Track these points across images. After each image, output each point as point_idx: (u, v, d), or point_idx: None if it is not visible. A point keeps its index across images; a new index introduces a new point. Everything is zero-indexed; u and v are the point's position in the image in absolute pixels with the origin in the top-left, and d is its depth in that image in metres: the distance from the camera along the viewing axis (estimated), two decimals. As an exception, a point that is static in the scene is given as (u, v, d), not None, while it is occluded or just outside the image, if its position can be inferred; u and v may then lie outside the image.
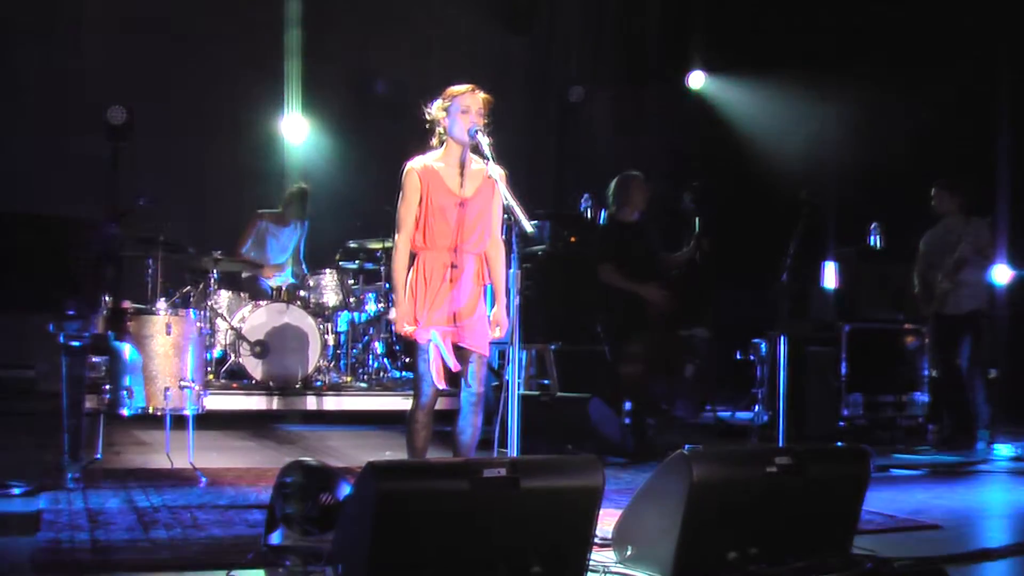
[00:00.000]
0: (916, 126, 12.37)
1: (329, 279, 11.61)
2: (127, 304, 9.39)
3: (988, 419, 10.39)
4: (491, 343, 6.48)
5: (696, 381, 11.10)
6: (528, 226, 5.63)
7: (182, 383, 7.98)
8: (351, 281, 11.90)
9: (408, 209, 6.32)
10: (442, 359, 6.29)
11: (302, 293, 11.44)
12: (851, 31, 12.89)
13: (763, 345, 11.29)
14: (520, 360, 5.78)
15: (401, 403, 10.25)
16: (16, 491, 6.79)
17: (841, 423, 10.77)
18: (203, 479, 7.46)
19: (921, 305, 10.89)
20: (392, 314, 6.38)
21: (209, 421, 9.53)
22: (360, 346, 11.90)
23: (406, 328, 6.34)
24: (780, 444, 8.33)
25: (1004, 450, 10.08)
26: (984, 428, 10.34)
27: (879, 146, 12.63)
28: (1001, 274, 11.00)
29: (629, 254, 9.75)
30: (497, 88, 6.51)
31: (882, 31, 12.75)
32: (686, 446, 5.09)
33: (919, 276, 10.78)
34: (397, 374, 11.96)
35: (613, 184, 10.06)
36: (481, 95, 6.34)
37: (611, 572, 5.09)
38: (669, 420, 10.61)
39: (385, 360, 11.99)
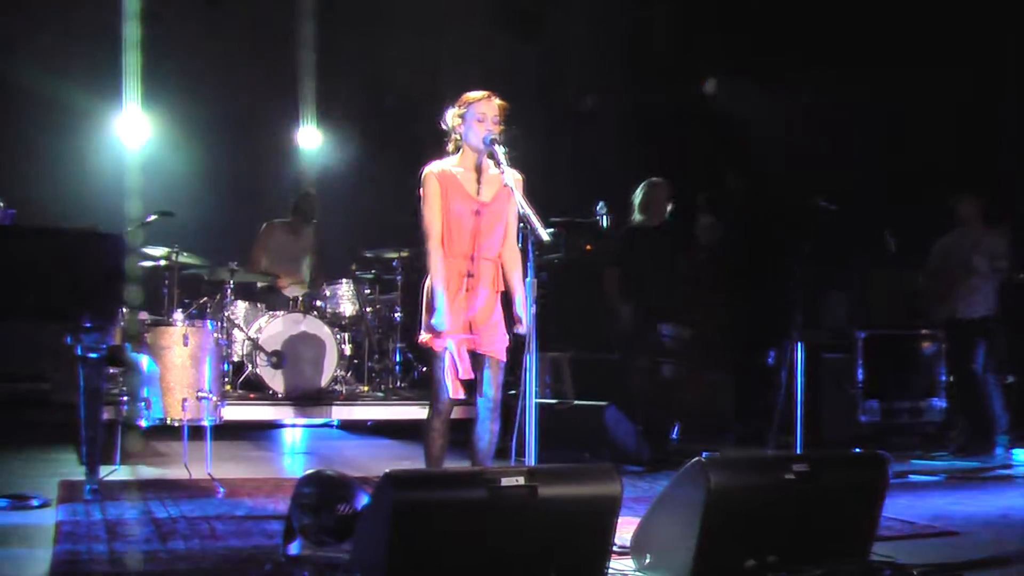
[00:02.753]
0: (932, 131, 12.33)
1: (345, 289, 11.63)
2: (144, 315, 9.42)
3: (1007, 425, 10.35)
4: (507, 350, 6.48)
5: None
6: (544, 234, 5.63)
7: (199, 394, 8.00)
8: (367, 291, 11.91)
9: (433, 213, 6.32)
10: (457, 367, 6.30)
11: (318, 303, 11.46)
12: (865, 34, 12.85)
13: (780, 352, 11.27)
14: (536, 368, 5.76)
15: (418, 412, 10.25)
16: (34, 503, 6.80)
17: (858, 429, 10.74)
18: (221, 490, 7.46)
19: (928, 308, 10.85)
20: (433, 323, 6.28)
21: (227, 431, 9.54)
22: (376, 356, 11.91)
23: (423, 336, 6.35)
24: (797, 451, 8.31)
25: (1022, 456, 10.04)
26: (1002, 434, 10.30)
27: (894, 151, 12.59)
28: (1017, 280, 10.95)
29: (635, 261, 9.78)
30: (509, 96, 6.51)
31: (898, 33, 12.71)
32: (703, 453, 5.08)
33: (928, 278, 10.74)
34: (413, 383, 11.97)
35: (637, 189, 10.12)
36: (497, 102, 6.35)
37: (629, 580, 5.09)
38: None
39: (401, 369, 12.00)
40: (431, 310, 6.32)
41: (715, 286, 10.43)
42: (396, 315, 11.91)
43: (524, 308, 6.34)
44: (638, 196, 10.11)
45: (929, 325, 11.10)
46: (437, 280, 6.28)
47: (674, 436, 10.36)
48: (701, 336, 10.10)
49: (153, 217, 10.33)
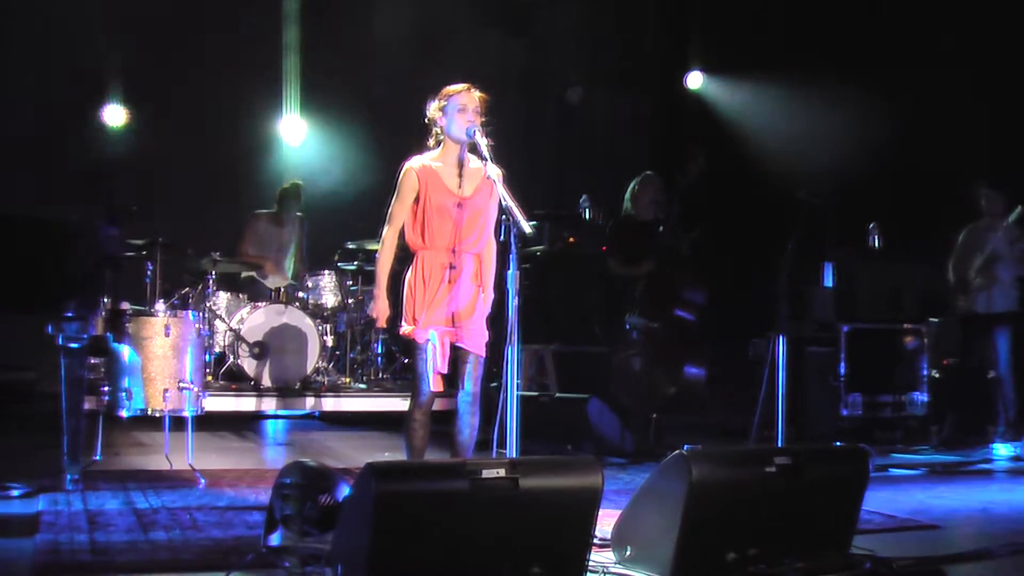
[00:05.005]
0: (916, 125, 12.36)
1: (328, 280, 11.62)
2: (126, 305, 9.40)
3: (1013, 419, 10.36)
4: (489, 343, 6.49)
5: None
6: (527, 227, 5.63)
7: (181, 384, 7.97)
8: (349, 282, 11.90)
9: (401, 207, 6.34)
10: (437, 360, 6.31)
11: (300, 294, 11.45)
12: (850, 30, 12.89)
13: (762, 345, 11.28)
14: (519, 361, 5.77)
15: (399, 404, 10.25)
16: (15, 493, 6.79)
17: (840, 423, 10.76)
18: (202, 480, 7.45)
19: (953, 299, 10.85)
20: (370, 309, 6.47)
21: (208, 422, 9.53)
22: (359, 347, 11.91)
23: (405, 328, 6.35)
24: (779, 444, 8.32)
25: (1004, 450, 10.07)
26: (1004, 427, 10.31)
27: (878, 145, 12.62)
28: None
29: (624, 252, 9.82)
30: (496, 89, 6.51)
31: (881, 30, 12.74)
32: (685, 446, 5.09)
33: (952, 270, 10.75)
34: (395, 375, 11.96)
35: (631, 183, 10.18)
36: (477, 93, 6.35)
37: (610, 572, 5.09)
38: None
39: (383, 361, 12.00)
40: (414, 302, 6.33)
41: (695, 278, 10.38)
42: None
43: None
44: (629, 189, 10.15)
45: (912, 319, 11.10)
46: (382, 268, 6.37)
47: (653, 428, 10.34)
48: (672, 328, 10.05)
49: (135, 208, 10.33)
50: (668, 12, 15.09)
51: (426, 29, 14.71)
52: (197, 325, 8.48)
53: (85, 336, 7.03)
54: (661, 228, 9.94)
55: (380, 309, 6.44)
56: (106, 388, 8.53)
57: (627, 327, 9.97)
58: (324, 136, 14.50)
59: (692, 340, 10.06)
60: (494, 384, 8.73)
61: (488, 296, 6.45)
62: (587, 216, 11.61)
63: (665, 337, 9.85)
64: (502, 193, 5.84)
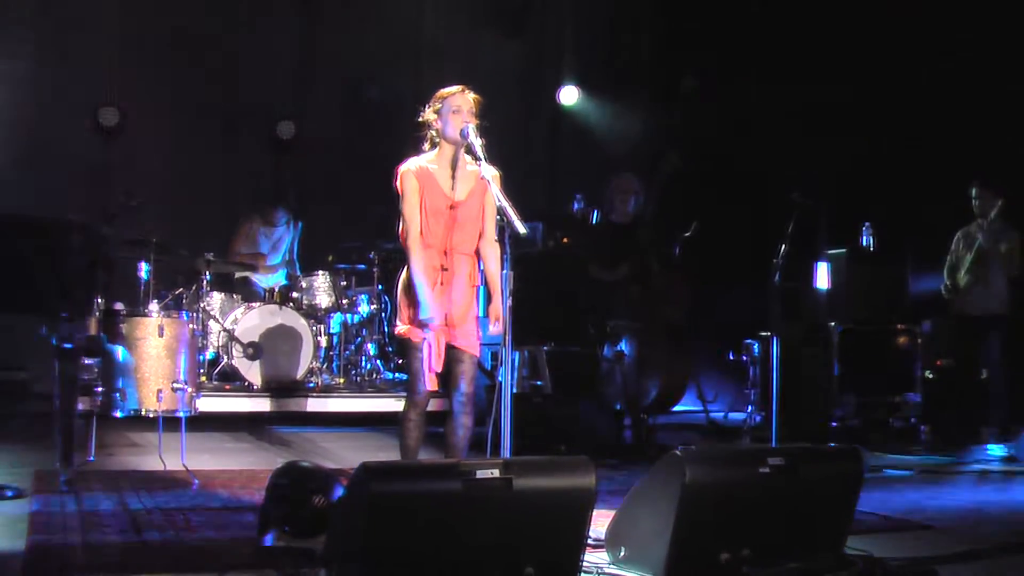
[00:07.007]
0: (910, 125, 12.36)
1: (322, 280, 11.60)
2: (119, 306, 9.40)
3: (1005, 419, 10.37)
4: (483, 344, 6.50)
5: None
6: (521, 227, 5.64)
7: (175, 385, 7.97)
8: (344, 283, 11.89)
9: (412, 210, 6.34)
10: (432, 360, 6.31)
11: (295, 295, 11.43)
12: (843, 30, 12.88)
13: (755, 346, 11.29)
14: (513, 361, 5.77)
15: (393, 404, 10.24)
16: (8, 493, 6.78)
17: (834, 424, 10.77)
18: (196, 481, 7.44)
19: (949, 301, 10.86)
20: (420, 313, 6.31)
21: (202, 423, 9.51)
22: (353, 348, 11.89)
23: (400, 328, 6.36)
24: (773, 444, 8.32)
25: (996, 451, 10.09)
26: (998, 428, 10.32)
27: (871, 146, 12.61)
28: None
29: (599, 253, 9.86)
30: (490, 90, 6.52)
31: (873, 30, 12.74)
32: (679, 447, 5.09)
33: (947, 272, 10.75)
34: (390, 375, 11.95)
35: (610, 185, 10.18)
36: (471, 95, 6.36)
37: (604, 573, 5.09)
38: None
39: (378, 361, 11.99)
40: (408, 302, 6.34)
41: (679, 277, 10.37)
42: (372, 307, 11.90)
43: (500, 305, 6.39)
44: (606, 191, 10.16)
45: (905, 319, 11.12)
46: (419, 275, 6.30)
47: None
48: (657, 328, 10.05)
49: (133, 203, 10.31)
50: (662, 12, 15.09)
51: (421, 30, 14.70)
52: (191, 325, 8.48)
53: (79, 336, 7.03)
54: (638, 228, 9.96)
55: (426, 311, 6.33)
56: (100, 389, 8.53)
57: (611, 328, 9.99)
58: (319, 136, 14.46)
59: (679, 339, 10.08)
60: (488, 384, 8.74)
61: (497, 295, 6.41)
62: (580, 216, 11.61)
63: (650, 337, 9.86)
64: (497, 194, 5.85)
